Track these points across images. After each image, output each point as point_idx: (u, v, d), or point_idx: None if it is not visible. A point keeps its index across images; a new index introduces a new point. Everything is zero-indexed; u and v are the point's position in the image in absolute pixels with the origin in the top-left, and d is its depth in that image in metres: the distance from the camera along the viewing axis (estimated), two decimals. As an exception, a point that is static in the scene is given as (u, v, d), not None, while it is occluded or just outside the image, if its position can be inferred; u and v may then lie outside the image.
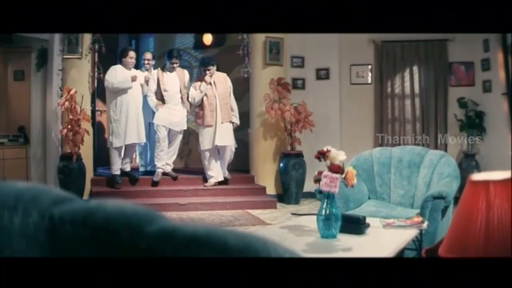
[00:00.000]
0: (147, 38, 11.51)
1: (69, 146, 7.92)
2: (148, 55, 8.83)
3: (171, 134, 8.42)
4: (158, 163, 8.39)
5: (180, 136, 8.59)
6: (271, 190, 8.75)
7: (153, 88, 8.31)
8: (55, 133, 8.38)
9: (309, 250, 3.42)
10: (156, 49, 11.42)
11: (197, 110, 8.39)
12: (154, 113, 8.41)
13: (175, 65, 8.41)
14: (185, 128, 8.55)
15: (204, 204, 7.95)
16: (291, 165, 8.57)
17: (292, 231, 3.93)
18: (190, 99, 8.35)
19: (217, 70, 8.48)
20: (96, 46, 8.37)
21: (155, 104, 8.31)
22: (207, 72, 8.27)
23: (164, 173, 8.45)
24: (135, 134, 8.19)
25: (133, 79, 8.05)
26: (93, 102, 8.53)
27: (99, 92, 8.87)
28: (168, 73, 8.39)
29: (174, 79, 8.41)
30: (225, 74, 8.54)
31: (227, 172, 8.59)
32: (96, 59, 8.48)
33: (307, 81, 9.26)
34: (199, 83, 8.32)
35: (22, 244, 1.06)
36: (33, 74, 8.91)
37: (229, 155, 8.46)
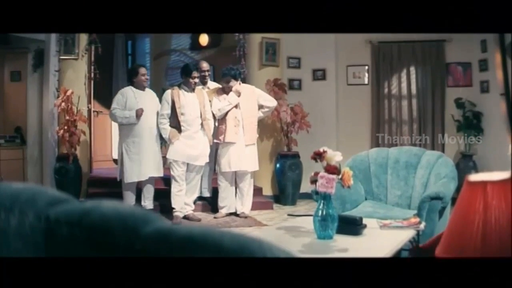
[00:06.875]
0: (143, 39, 11.53)
1: (66, 147, 7.90)
2: (205, 65, 7.67)
3: (190, 168, 7.14)
4: (175, 206, 7.09)
5: (202, 170, 7.34)
6: (267, 191, 8.74)
7: (166, 113, 7.02)
8: (51, 134, 8.36)
9: (305, 251, 3.42)
10: (152, 50, 11.46)
11: (218, 125, 7.23)
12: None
13: (196, 80, 7.10)
14: (208, 160, 7.25)
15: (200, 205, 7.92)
16: (287, 166, 8.55)
17: (289, 232, 3.93)
18: (214, 110, 7.11)
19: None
20: (93, 47, 8.34)
21: (169, 134, 6.98)
22: (228, 87, 7.12)
23: (185, 217, 7.19)
24: (152, 167, 7.15)
25: (139, 114, 6.96)
26: (89, 103, 8.49)
27: (96, 93, 8.83)
28: (185, 92, 7.04)
29: (193, 100, 7.05)
30: (252, 87, 7.57)
31: (250, 207, 7.44)
32: (93, 60, 8.45)
33: (303, 82, 9.24)
34: (224, 95, 7.15)
35: (18, 244, 1.06)
36: (30, 75, 8.89)
37: (248, 186, 7.39)
